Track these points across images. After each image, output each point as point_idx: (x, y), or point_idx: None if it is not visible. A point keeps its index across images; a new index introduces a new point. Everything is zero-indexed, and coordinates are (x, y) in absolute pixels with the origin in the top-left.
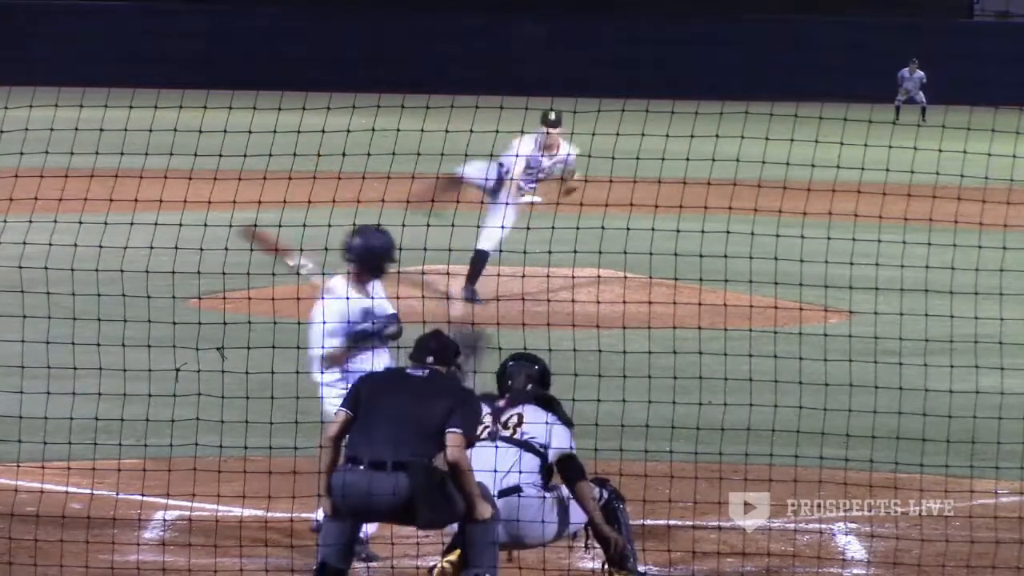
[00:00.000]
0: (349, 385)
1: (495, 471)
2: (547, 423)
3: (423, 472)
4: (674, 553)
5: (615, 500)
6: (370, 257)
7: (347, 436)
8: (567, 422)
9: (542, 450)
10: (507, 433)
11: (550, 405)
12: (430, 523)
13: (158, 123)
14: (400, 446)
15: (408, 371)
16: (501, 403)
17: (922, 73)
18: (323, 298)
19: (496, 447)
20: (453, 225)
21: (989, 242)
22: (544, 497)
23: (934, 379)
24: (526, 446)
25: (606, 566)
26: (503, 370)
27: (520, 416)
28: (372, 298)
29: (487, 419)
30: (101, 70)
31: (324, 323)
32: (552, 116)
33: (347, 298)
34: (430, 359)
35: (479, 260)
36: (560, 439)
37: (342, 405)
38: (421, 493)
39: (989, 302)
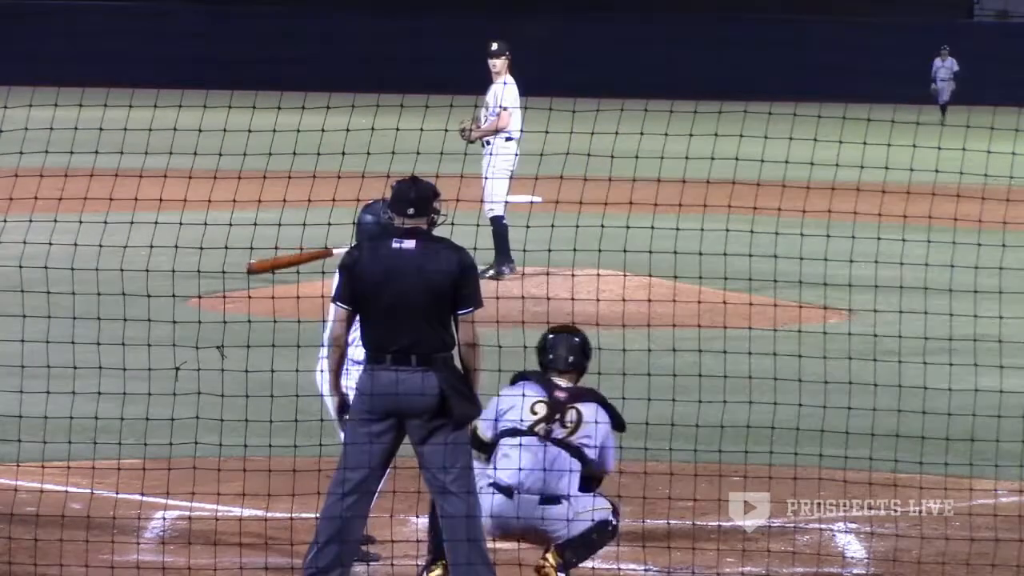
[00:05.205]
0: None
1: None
2: (600, 423)
3: (447, 368)
4: (674, 553)
5: (610, 524)
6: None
7: (355, 331)
8: (620, 426)
9: (591, 461)
10: (562, 433)
11: (607, 406)
12: (464, 417)
13: (157, 123)
14: (419, 339)
15: (395, 244)
16: (560, 395)
17: (953, 60)
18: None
19: (546, 447)
20: (453, 224)
21: (988, 241)
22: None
23: (933, 378)
24: (577, 453)
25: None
26: (543, 343)
27: (579, 414)
28: None
29: (541, 408)
30: (101, 70)
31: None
32: (493, 46)
33: None
34: (411, 211)
35: (501, 229)
36: (610, 457)
37: (337, 299)
38: (450, 388)
39: (988, 301)
